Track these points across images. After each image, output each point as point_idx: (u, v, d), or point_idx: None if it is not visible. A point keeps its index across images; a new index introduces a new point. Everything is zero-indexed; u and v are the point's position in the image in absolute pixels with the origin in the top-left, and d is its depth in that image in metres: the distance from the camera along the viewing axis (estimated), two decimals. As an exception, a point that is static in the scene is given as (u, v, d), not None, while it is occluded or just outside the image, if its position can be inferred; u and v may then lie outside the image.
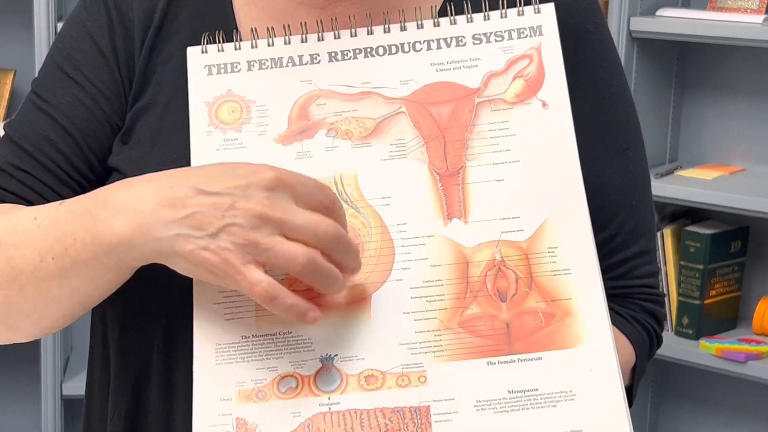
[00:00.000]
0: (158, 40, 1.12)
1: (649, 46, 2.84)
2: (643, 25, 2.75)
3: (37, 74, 1.20)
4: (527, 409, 0.90)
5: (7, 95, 3.12)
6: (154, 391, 1.08)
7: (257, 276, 0.87)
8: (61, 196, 1.07)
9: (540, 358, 0.92)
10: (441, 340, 0.92)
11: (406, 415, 0.90)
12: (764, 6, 2.74)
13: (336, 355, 0.92)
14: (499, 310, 0.93)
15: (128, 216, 0.92)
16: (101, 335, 1.13)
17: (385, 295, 0.94)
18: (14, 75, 3.15)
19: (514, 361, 0.92)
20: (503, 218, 0.96)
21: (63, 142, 1.10)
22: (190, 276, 0.93)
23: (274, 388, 0.91)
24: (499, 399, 0.90)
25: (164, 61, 1.11)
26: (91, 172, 1.11)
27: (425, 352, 0.92)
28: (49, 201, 1.06)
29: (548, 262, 0.95)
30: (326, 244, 0.88)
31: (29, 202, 1.08)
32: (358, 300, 0.94)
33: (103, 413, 1.12)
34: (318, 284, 0.90)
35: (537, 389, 0.90)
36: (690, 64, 2.98)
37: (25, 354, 3.20)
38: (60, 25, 2.90)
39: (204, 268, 0.89)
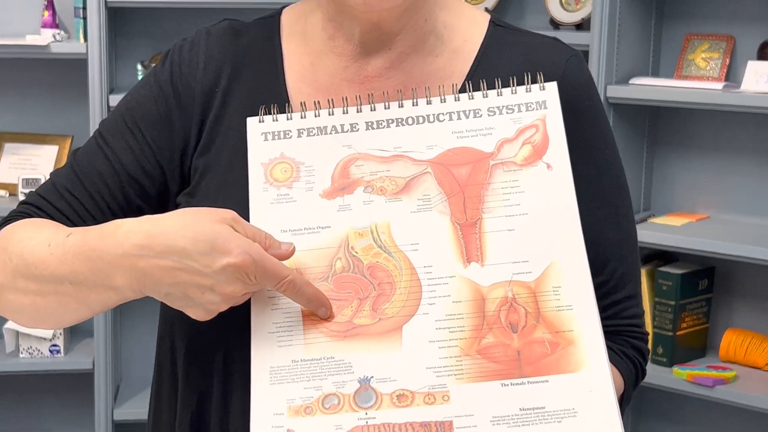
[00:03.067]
0: (222, 111, 1.12)
1: (624, 111, 2.83)
2: (618, 92, 2.75)
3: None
4: (536, 424, 0.90)
5: (65, 158, 3.10)
6: (214, 406, 1.08)
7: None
8: (97, 221, 1.09)
9: (547, 381, 0.92)
10: (462, 364, 0.92)
11: (432, 429, 0.90)
12: (723, 75, 2.78)
13: (372, 376, 0.92)
14: (511, 340, 0.93)
15: (127, 272, 0.97)
16: (170, 359, 1.13)
17: (414, 326, 0.94)
18: (72, 140, 3.16)
19: (525, 383, 0.92)
20: (514, 262, 0.96)
21: (110, 179, 1.12)
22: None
23: (320, 404, 0.91)
24: (512, 415, 0.90)
25: (226, 129, 1.12)
26: (127, 207, 1.12)
27: (448, 375, 0.92)
28: (86, 224, 1.09)
29: (553, 299, 0.95)
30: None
31: (71, 222, 1.10)
32: (391, 330, 0.94)
33: (171, 423, 1.12)
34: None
35: (544, 407, 0.91)
36: (660, 125, 2.97)
37: (80, 384, 3.20)
38: (111, 97, 2.96)
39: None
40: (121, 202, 1.13)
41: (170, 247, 0.94)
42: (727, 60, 2.81)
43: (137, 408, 3.13)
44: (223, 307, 0.95)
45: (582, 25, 2.94)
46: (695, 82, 2.78)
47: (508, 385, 0.92)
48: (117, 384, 3.25)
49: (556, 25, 2.98)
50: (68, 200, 1.12)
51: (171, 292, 0.96)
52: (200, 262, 0.93)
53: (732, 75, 2.82)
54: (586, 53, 2.78)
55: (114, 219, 1.07)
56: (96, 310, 1.08)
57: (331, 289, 0.96)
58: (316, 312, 0.95)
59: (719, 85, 2.72)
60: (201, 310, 0.95)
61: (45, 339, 3.09)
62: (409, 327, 0.94)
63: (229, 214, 0.95)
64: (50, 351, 3.12)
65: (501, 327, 0.94)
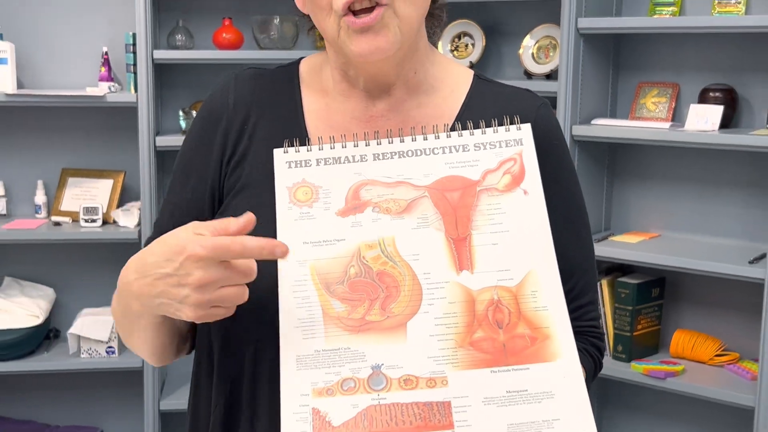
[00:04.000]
0: (249, 143, 1.13)
1: (587, 146, 2.84)
2: (581, 131, 2.75)
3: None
4: (520, 404, 0.92)
5: (119, 190, 3.14)
6: (244, 391, 1.09)
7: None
8: None
9: (528, 368, 0.94)
10: (457, 354, 0.94)
11: (433, 407, 0.92)
12: (670, 116, 2.78)
13: (382, 364, 0.94)
14: (497, 335, 0.95)
15: (134, 298, 0.99)
16: (207, 354, 1.13)
17: (416, 322, 0.96)
18: (124, 175, 3.17)
19: (510, 370, 0.94)
20: (498, 270, 0.98)
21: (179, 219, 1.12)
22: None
23: (339, 387, 0.93)
24: (500, 397, 0.92)
25: (254, 157, 1.13)
26: None
27: (446, 363, 0.94)
28: None
29: (531, 301, 0.97)
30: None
31: None
32: (397, 326, 0.95)
33: (208, 406, 1.13)
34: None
35: (527, 390, 0.93)
36: (617, 158, 2.98)
37: (132, 379, 3.18)
38: (157, 138, 2.98)
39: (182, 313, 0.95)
40: None
41: (145, 266, 0.97)
42: (673, 103, 2.81)
43: (180, 399, 3.13)
44: (200, 298, 0.93)
45: (551, 75, 2.95)
46: (646, 122, 2.78)
47: (496, 371, 0.94)
48: (163, 379, 3.24)
49: (529, 75, 3.00)
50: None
51: (160, 302, 0.97)
52: (167, 267, 0.94)
53: (677, 116, 2.82)
54: (554, 98, 2.80)
55: None
56: (160, 336, 1.11)
57: (347, 291, 0.98)
58: (273, 254, 0.93)
59: (666, 125, 2.73)
60: (186, 308, 0.94)
61: (102, 342, 3.09)
62: (413, 323, 0.96)
63: (191, 223, 0.96)
64: (106, 352, 3.11)
65: (489, 324, 0.96)
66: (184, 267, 0.92)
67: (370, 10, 1.02)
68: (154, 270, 0.95)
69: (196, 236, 0.93)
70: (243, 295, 0.94)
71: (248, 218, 0.93)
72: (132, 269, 1.00)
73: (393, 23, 1.03)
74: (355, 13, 1.02)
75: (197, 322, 0.97)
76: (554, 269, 0.99)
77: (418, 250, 0.99)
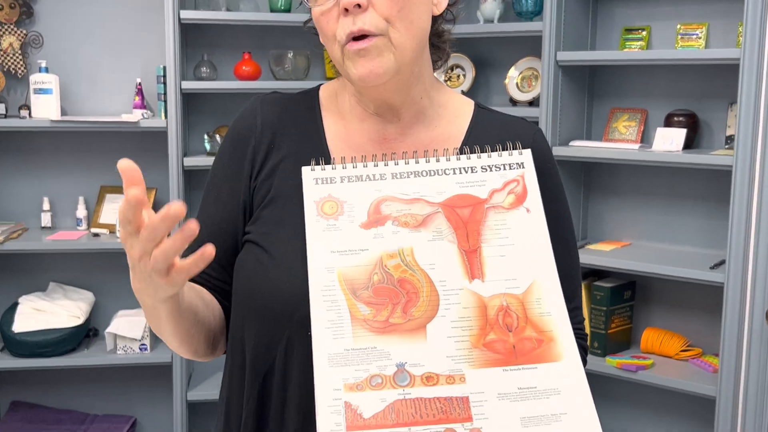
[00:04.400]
0: (276, 160, 1.12)
1: (565, 165, 2.84)
2: (561, 151, 2.75)
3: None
4: (530, 399, 0.91)
5: (151, 205, 2.95)
6: (275, 385, 1.07)
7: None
8: (207, 274, 1.12)
9: (536, 368, 0.93)
10: (472, 354, 0.93)
11: (453, 402, 0.90)
12: (639, 138, 2.79)
13: (406, 362, 0.92)
14: (507, 337, 0.94)
15: (144, 297, 0.94)
16: (240, 350, 1.11)
17: (435, 325, 0.94)
18: (156, 192, 3.16)
19: (520, 369, 0.92)
20: (506, 279, 0.97)
21: (215, 236, 1.11)
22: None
23: (368, 382, 0.90)
24: (512, 393, 0.91)
25: (281, 174, 1.12)
26: (229, 246, 1.12)
27: (463, 362, 0.92)
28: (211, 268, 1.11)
29: (536, 307, 0.96)
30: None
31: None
32: (418, 328, 0.94)
33: (240, 399, 1.11)
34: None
35: (536, 387, 0.91)
36: (592, 176, 2.98)
37: (162, 373, 3.18)
38: (185, 159, 2.98)
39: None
40: (224, 245, 1.12)
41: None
42: (642, 127, 2.82)
43: (205, 391, 3.13)
44: (144, 267, 0.87)
45: (533, 102, 2.96)
46: (618, 143, 2.79)
47: (507, 370, 0.92)
48: (190, 373, 3.23)
49: (513, 102, 3.00)
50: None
51: (145, 285, 0.92)
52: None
53: (645, 138, 2.83)
54: (536, 123, 2.79)
55: (225, 254, 1.11)
56: (181, 324, 1.04)
57: (371, 295, 0.96)
58: (168, 216, 0.83)
59: (636, 146, 2.74)
60: (155, 278, 0.89)
61: (136, 340, 3.09)
62: (432, 326, 0.94)
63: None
64: (140, 348, 3.11)
65: (500, 327, 0.95)
66: (129, 257, 0.88)
67: (363, 37, 1.03)
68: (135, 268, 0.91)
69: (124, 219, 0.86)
70: (171, 246, 0.85)
71: (175, 209, 0.84)
72: (133, 281, 0.94)
73: (388, 51, 1.03)
74: (355, 40, 1.03)
75: (170, 287, 0.90)
76: (555, 279, 0.98)
77: (434, 260, 0.97)
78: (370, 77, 1.03)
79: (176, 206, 0.83)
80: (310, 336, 0.94)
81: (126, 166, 0.84)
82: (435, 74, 1.18)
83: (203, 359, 1.16)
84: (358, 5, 1.01)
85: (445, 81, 3.13)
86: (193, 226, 0.83)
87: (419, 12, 1.06)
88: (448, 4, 1.13)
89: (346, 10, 1.02)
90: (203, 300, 1.11)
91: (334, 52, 1.06)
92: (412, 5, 1.05)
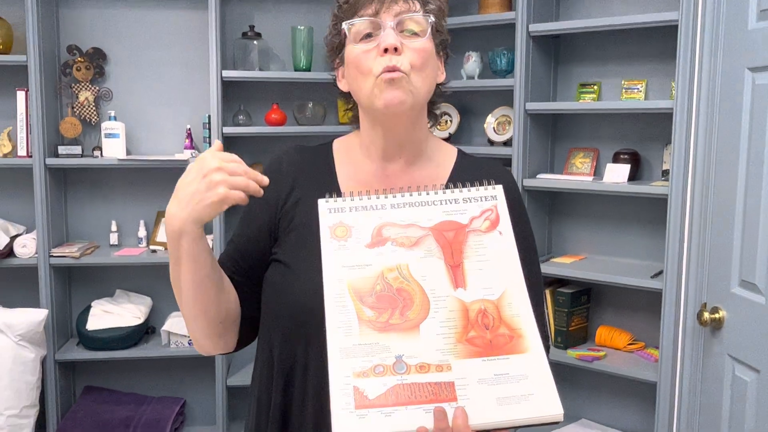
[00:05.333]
0: (298, 197, 1.13)
1: (533, 194, 2.83)
2: (530, 182, 2.75)
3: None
4: (504, 383, 0.90)
5: None
6: (297, 376, 1.08)
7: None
8: (232, 278, 1.11)
9: (508, 358, 0.92)
10: (457, 348, 0.92)
11: (442, 386, 0.89)
12: (592, 172, 2.78)
13: (403, 354, 0.91)
14: (485, 334, 0.93)
15: (179, 224, 0.97)
16: (268, 347, 1.11)
17: (426, 325, 0.93)
18: None
19: (496, 359, 0.91)
20: (484, 288, 0.96)
21: (243, 255, 1.13)
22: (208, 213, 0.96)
23: (372, 371, 0.90)
24: (489, 378, 0.90)
25: (302, 207, 1.12)
26: (256, 262, 1.12)
27: (449, 354, 0.92)
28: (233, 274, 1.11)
29: (508, 310, 0.95)
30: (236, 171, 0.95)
31: (229, 271, 1.12)
32: (413, 327, 0.93)
33: (269, 386, 1.12)
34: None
35: (508, 373, 0.91)
36: (555, 202, 2.97)
37: (206, 362, 3.17)
38: None
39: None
40: (244, 266, 1.13)
41: (179, 191, 0.98)
42: (594, 163, 2.81)
43: (241, 378, 3.11)
44: (218, 177, 0.95)
45: (507, 143, 2.95)
46: (576, 176, 2.78)
47: (486, 360, 0.92)
48: (229, 363, 3.21)
49: (491, 142, 2.99)
50: (226, 265, 1.13)
51: (195, 202, 0.96)
52: (194, 179, 0.96)
53: (597, 172, 2.82)
54: (510, 159, 2.80)
55: (244, 277, 1.12)
56: (204, 290, 1.04)
57: (375, 301, 0.95)
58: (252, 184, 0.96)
59: (590, 178, 2.73)
60: (213, 192, 0.95)
61: (186, 336, 3.08)
62: (424, 325, 0.94)
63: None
64: (188, 343, 3.09)
65: (479, 326, 0.94)
66: (204, 168, 0.95)
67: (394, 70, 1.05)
68: (186, 188, 0.96)
69: (209, 155, 0.96)
70: (248, 183, 0.95)
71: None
72: (171, 205, 0.98)
73: (408, 87, 1.05)
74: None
75: (224, 203, 0.95)
76: (523, 287, 0.97)
77: (426, 273, 0.96)
78: (394, 102, 1.04)
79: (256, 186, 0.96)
80: (325, 334, 0.93)
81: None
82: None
83: (219, 345, 1.11)
84: (395, 48, 1.04)
85: (436, 125, 3.11)
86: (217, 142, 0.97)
87: (432, 69, 1.10)
88: (442, 83, 1.15)
89: (385, 50, 1.04)
90: (226, 281, 1.10)
91: (367, 83, 1.06)
92: (429, 61, 1.08)
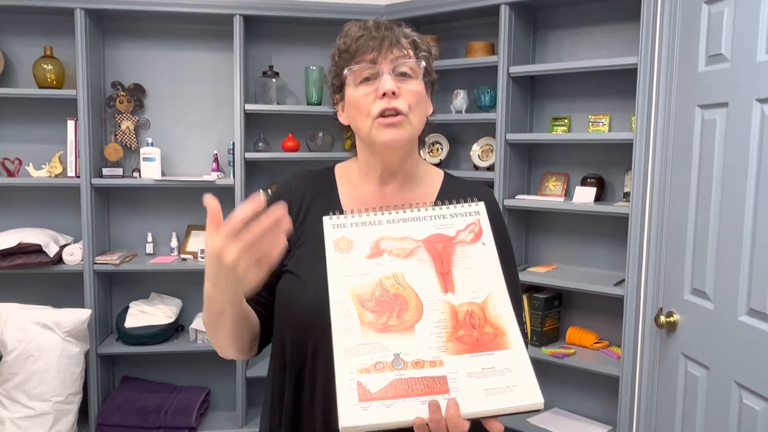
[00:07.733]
0: (306, 216, 1.12)
1: (513, 213, 2.84)
2: (510, 202, 2.75)
3: None
4: (490, 376, 0.88)
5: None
6: (307, 374, 1.06)
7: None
8: (255, 301, 1.08)
9: (493, 354, 0.90)
10: (448, 345, 0.90)
11: (435, 380, 0.88)
12: (563, 193, 2.77)
13: (400, 352, 0.90)
14: (472, 332, 0.91)
15: (218, 296, 0.89)
16: (281, 347, 1.10)
17: (420, 326, 0.92)
18: None
19: (482, 355, 0.90)
20: (470, 292, 0.95)
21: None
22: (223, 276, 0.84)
23: (373, 367, 0.88)
24: (477, 371, 0.88)
25: (309, 224, 1.11)
26: (268, 283, 1.09)
27: (442, 351, 0.90)
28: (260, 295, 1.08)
29: (492, 311, 0.93)
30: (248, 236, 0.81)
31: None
32: (409, 328, 0.91)
33: (281, 383, 1.10)
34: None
35: (494, 367, 0.89)
36: (531, 220, 2.96)
37: None
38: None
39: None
40: (271, 278, 1.10)
41: (208, 273, 0.86)
42: (565, 186, 2.81)
43: (258, 370, 3.09)
44: (236, 261, 0.81)
45: (490, 168, 2.95)
46: (549, 197, 2.78)
47: (474, 356, 0.90)
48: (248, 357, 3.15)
49: (476, 168, 3.00)
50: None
51: (228, 280, 0.85)
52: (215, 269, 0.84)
53: (568, 193, 2.82)
54: (492, 182, 2.80)
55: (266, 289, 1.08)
56: (239, 331, 1.00)
57: (375, 306, 0.93)
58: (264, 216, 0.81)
59: (561, 199, 2.73)
60: (243, 272, 0.83)
61: None
62: (418, 326, 0.92)
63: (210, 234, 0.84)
64: None
65: (467, 326, 0.92)
66: (213, 252, 0.82)
67: (394, 114, 1.03)
68: (214, 275, 0.85)
69: (211, 239, 0.82)
70: (276, 243, 0.81)
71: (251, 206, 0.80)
72: (206, 281, 0.89)
73: (407, 126, 1.04)
74: (383, 116, 1.03)
75: (259, 270, 0.83)
76: (505, 291, 0.95)
77: (419, 280, 0.95)
78: (394, 142, 1.04)
79: (256, 198, 0.79)
80: (331, 336, 0.91)
81: (210, 201, 0.82)
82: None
83: (242, 357, 1.09)
84: (393, 92, 1.03)
85: (428, 152, 3.14)
86: (258, 196, 0.78)
87: (424, 107, 1.09)
88: (429, 115, 1.13)
89: (384, 94, 1.03)
90: (250, 310, 1.08)
91: (365, 124, 1.05)
92: (422, 101, 1.08)
